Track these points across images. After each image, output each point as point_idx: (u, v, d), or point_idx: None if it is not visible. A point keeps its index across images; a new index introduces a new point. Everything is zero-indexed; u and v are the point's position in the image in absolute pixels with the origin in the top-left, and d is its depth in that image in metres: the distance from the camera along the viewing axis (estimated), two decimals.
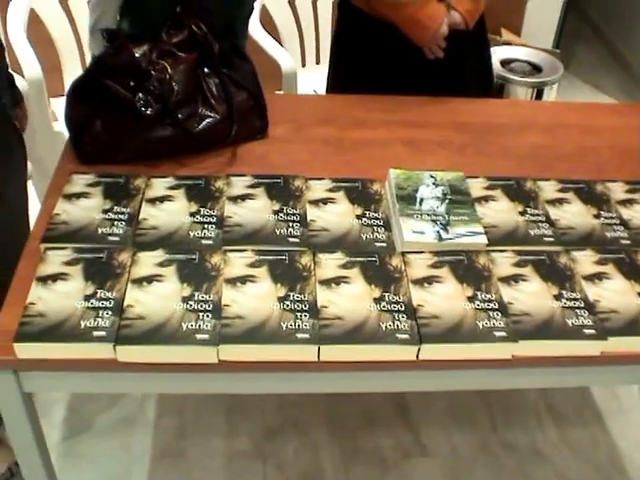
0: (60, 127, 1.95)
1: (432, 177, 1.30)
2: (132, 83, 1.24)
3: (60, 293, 1.01)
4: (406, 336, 1.01)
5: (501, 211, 1.26)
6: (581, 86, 2.94)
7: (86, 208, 1.16)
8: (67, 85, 2.24)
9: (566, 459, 1.77)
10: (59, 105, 2.08)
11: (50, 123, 1.91)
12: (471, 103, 1.63)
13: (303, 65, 2.48)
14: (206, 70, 1.34)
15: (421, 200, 1.24)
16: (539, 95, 2.39)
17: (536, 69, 2.54)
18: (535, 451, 1.78)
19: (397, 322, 1.02)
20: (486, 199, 1.28)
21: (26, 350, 0.94)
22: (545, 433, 1.83)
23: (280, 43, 2.28)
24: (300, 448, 1.74)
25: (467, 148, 1.47)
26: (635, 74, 3.53)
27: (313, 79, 2.34)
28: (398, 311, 1.04)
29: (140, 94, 1.23)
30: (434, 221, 1.20)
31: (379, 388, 1.12)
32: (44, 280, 1.02)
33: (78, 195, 1.19)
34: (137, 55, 1.25)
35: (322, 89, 1.92)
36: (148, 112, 1.23)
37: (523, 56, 2.63)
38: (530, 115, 1.62)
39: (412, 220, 1.19)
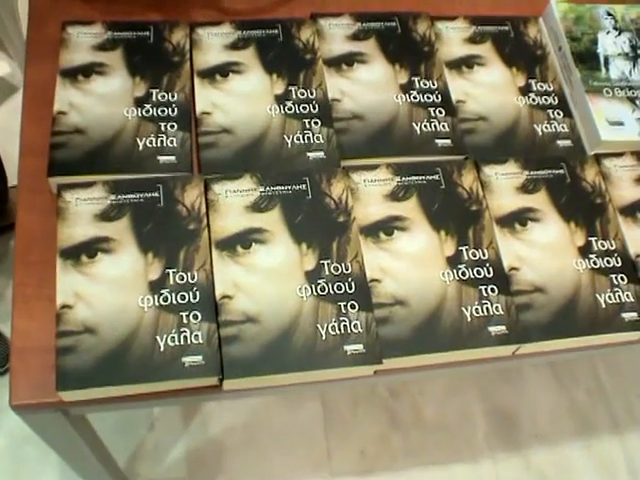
0: None
1: (610, 15, 0.86)
2: None
3: (108, 281, 0.60)
4: (634, 315, 0.69)
5: None
6: None
7: (106, 97, 0.69)
8: None
9: None
10: None
11: None
12: None
13: None
14: None
15: (606, 60, 0.83)
16: None
17: None
18: None
19: (618, 292, 0.69)
20: None
21: (76, 395, 0.57)
22: None
23: None
24: None
25: None
26: None
27: None
28: (614, 270, 0.70)
29: None
30: (631, 100, 0.80)
31: None
32: (74, 255, 0.60)
33: (87, 70, 0.70)
34: None
35: None
36: None
37: None
38: None
39: (602, 99, 0.79)
